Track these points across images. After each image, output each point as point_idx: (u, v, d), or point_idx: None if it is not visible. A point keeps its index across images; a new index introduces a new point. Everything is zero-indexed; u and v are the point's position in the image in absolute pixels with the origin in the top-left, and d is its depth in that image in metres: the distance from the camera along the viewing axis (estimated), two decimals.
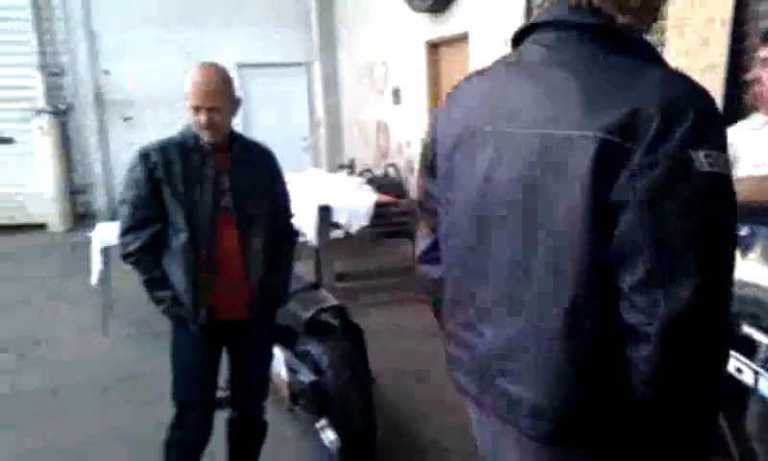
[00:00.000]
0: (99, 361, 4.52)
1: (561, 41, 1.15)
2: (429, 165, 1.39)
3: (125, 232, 2.39)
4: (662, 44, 3.74)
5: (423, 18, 7.09)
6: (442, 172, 1.33)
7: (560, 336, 1.08)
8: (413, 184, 7.56)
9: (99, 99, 9.61)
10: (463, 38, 6.42)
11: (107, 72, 9.57)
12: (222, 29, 9.71)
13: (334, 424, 2.92)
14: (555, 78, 1.11)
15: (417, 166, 1.54)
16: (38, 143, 9.09)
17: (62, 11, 9.24)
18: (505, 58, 1.27)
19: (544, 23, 1.19)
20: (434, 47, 7.22)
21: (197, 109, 2.31)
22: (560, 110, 1.07)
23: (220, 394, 2.66)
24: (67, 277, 6.56)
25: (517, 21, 5.34)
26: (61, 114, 9.35)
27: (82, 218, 9.54)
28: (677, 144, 0.97)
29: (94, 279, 4.89)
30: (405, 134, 8.03)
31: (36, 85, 9.10)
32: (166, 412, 2.56)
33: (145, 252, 2.37)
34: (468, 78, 1.35)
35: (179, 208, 2.33)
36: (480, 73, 1.31)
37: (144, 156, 2.36)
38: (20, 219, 9.28)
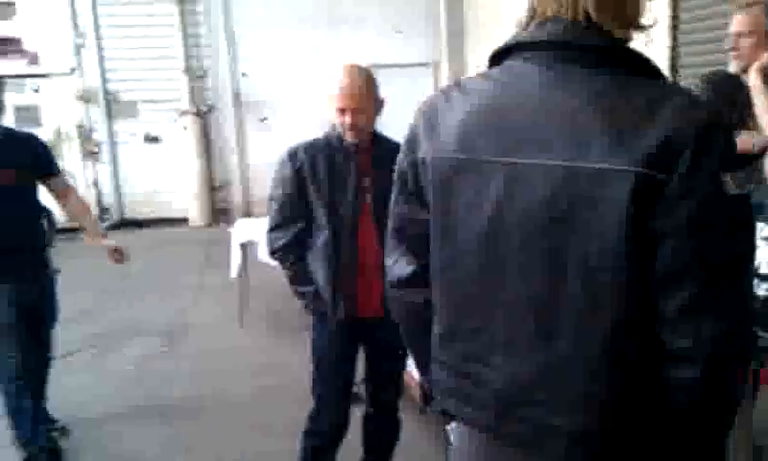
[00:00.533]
0: (236, 351, 4.75)
1: (563, 62, 1.09)
2: (415, 191, 1.25)
3: (271, 230, 2.50)
4: None
5: None
6: (436, 201, 1.20)
7: (601, 363, 1.08)
8: None
9: (237, 100, 10.10)
10: None
11: (244, 74, 10.04)
12: (352, 30, 9.88)
13: None
14: (568, 104, 1.07)
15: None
16: (182, 142, 9.71)
17: (206, 16, 9.80)
18: (490, 76, 1.19)
19: (539, 42, 1.12)
20: None
21: (342, 111, 2.35)
22: (582, 140, 1.04)
23: (356, 390, 2.73)
24: (207, 269, 6.94)
25: (662, 23, 5.06)
26: (203, 115, 9.93)
27: (219, 213, 10.08)
28: (711, 170, 0.99)
29: (233, 272, 5.13)
30: None
31: (181, 88, 9.74)
32: (301, 404, 2.65)
33: (289, 249, 2.46)
34: (447, 94, 1.23)
35: (322, 207, 2.41)
36: (461, 90, 1.22)
37: (292, 154, 2.45)
38: (165, 213, 9.93)
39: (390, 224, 1.34)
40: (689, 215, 0.99)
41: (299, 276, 2.47)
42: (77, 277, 5.43)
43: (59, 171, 3.41)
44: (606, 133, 1.02)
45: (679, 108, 1.01)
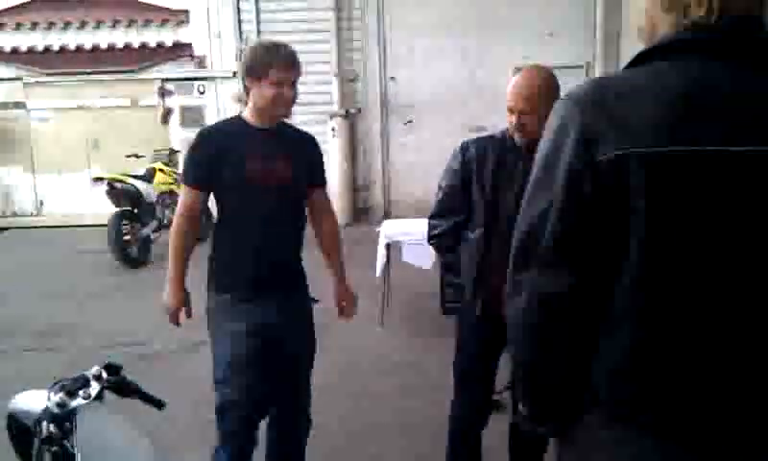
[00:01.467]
0: (377, 348, 4.83)
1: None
2: (596, 197, 1.10)
3: (432, 217, 2.62)
4: None
5: None
6: (650, 201, 1.08)
7: None
8: None
9: (384, 103, 10.31)
10: None
11: (392, 78, 10.23)
12: (502, 34, 9.79)
13: None
14: None
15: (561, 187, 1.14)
16: (331, 143, 10.04)
17: (360, 22, 10.10)
18: (662, 69, 1.13)
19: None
20: None
21: (511, 111, 2.36)
22: None
23: (499, 397, 2.69)
24: (349, 267, 7.09)
25: None
26: (351, 117, 10.21)
27: (360, 213, 10.31)
28: None
29: (378, 271, 5.21)
30: None
31: (332, 91, 10.09)
32: (438, 405, 2.68)
33: (444, 238, 2.57)
34: (609, 88, 1.15)
35: (481, 204, 2.44)
36: (630, 83, 1.14)
37: (463, 148, 2.52)
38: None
39: (548, 236, 1.15)
40: None
41: (447, 265, 2.60)
42: None
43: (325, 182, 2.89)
44: None
45: None
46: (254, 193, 2.48)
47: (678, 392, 1.11)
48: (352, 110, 10.24)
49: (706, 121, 1.06)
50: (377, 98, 10.26)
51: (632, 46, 8.81)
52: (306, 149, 2.71)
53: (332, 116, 10.02)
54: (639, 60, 1.18)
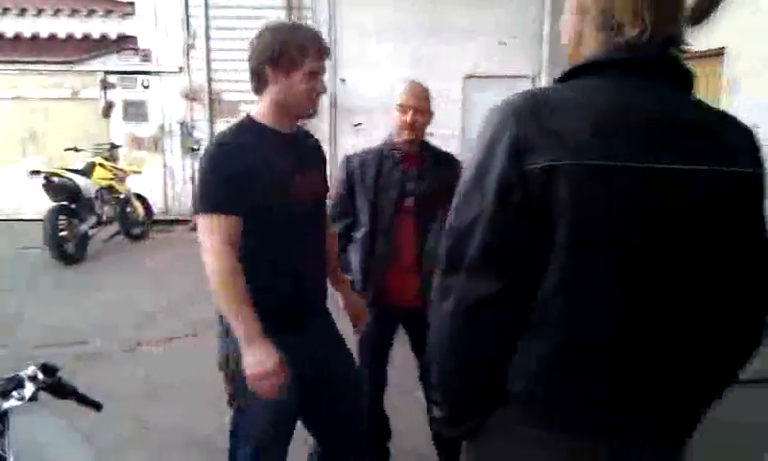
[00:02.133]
0: None
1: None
2: (527, 204, 1.13)
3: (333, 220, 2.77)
4: None
5: None
6: (574, 210, 1.13)
7: None
8: None
9: (334, 105, 10.27)
10: (716, 55, 5.88)
11: (342, 80, 10.21)
12: (453, 40, 9.89)
13: None
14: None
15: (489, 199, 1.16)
16: None
17: (312, 23, 10.04)
18: (588, 85, 1.20)
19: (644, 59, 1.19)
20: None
21: (403, 110, 2.65)
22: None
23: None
24: None
25: None
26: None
27: None
28: None
29: None
30: None
31: None
32: None
33: (339, 241, 2.70)
34: (543, 100, 1.18)
35: (365, 208, 2.70)
36: (561, 96, 1.18)
37: (347, 160, 2.80)
38: None
39: (477, 242, 1.16)
40: None
41: (342, 263, 2.69)
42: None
43: None
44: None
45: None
46: (291, 212, 2.07)
47: (594, 391, 1.18)
48: None
49: (631, 137, 1.12)
50: (326, 99, 10.22)
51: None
52: (321, 154, 2.40)
53: None
54: (572, 74, 1.23)
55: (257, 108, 2.10)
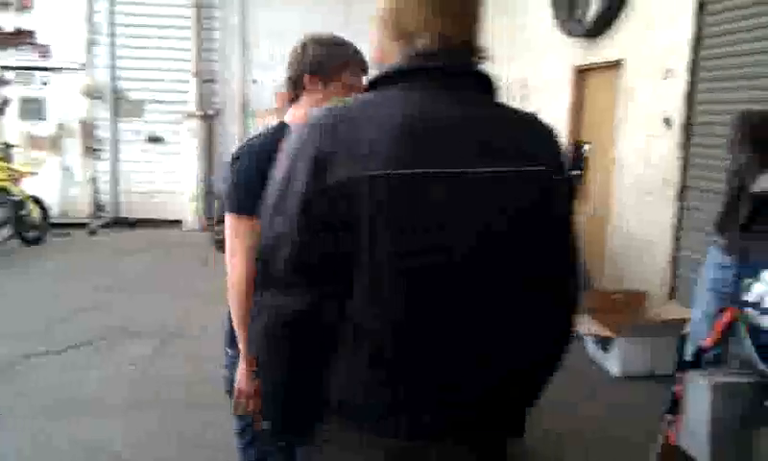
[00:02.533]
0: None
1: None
2: (329, 219, 1.14)
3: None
4: None
5: (575, 44, 6.90)
6: (379, 222, 1.14)
7: None
8: None
9: (245, 107, 10.11)
10: (615, 66, 6.18)
11: (255, 81, 10.07)
12: (365, 43, 9.89)
13: None
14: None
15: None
16: (186, 145, 9.69)
17: (222, 22, 9.84)
18: (388, 96, 1.22)
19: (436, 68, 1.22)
20: (582, 73, 7.01)
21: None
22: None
23: None
24: (201, 273, 6.90)
25: (683, 48, 5.08)
26: (209, 119, 9.92)
27: (211, 219, 10.05)
28: None
29: None
30: None
31: (189, 91, 9.72)
32: None
33: None
34: (342, 116, 1.19)
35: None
36: (361, 110, 1.20)
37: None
38: (160, 214, 9.91)
39: (284, 258, 1.16)
40: None
41: None
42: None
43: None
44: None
45: None
46: None
47: (411, 398, 1.21)
48: (210, 112, 9.95)
49: (430, 145, 1.15)
50: (237, 101, 10.04)
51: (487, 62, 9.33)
52: None
53: (189, 116, 9.67)
54: (372, 86, 1.26)
55: (291, 115, 2.10)
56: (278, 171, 1.20)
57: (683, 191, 5.19)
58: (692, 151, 5.12)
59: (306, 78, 2.03)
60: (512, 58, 8.67)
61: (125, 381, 4.28)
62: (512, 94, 8.63)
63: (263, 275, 1.20)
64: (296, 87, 2.08)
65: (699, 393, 2.39)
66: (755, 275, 2.40)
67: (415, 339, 1.19)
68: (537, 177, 1.22)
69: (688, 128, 5.12)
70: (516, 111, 1.29)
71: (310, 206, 1.13)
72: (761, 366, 2.36)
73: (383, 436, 1.21)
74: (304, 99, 2.07)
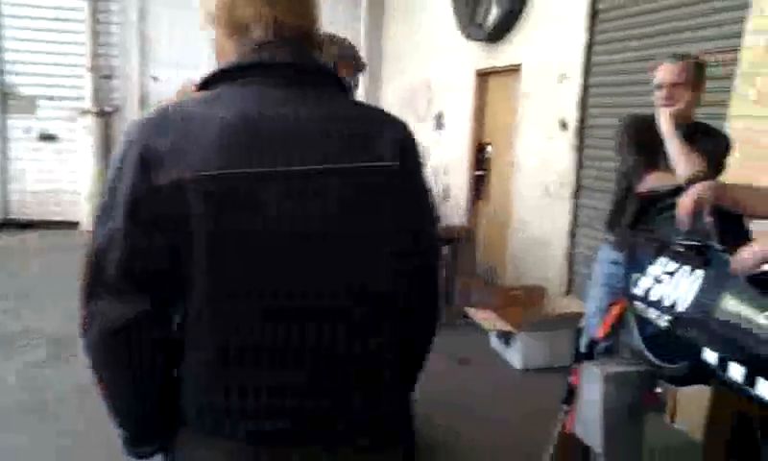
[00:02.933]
0: None
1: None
2: (159, 219, 1.12)
3: None
4: (729, 91, 3.68)
5: (476, 48, 7.08)
6: (211, 221, 1.13)
7: None
8: (443, 212, 7.55)
9: (144, 104, 9.75)
10: (515, 70, 6.40)
11: (155, 78, 9.72)
12: None
13: None
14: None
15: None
16: (81, 143, 9.24)
17: (119, 15, 9.44)
18: (223, 95, 1.18)
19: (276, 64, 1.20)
20: (483, 77, 7.21)
21: None
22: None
23: None
24: None
25: (577, 54, 5.31)
26: (106, 116, 9.50)
27: None
28: None
29: None
30: (443, 161, 8.01)
31: (85, 86, 9.28)
32: None
33: None
34: (173, 115, 1.15)
35: None
36: (193, 109, 1.16)
37: None
38: (55, 216, 9.43)
39: (114, 263, 1.11)
40: None
41: None
42: None
43: None
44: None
45: None
46: None
47: (254, 400, 1.16)
48: (108, 109, 9.52)
49: (260, 145, 1.12)
50: (136, 97, 9.67)
51: (390, 65, 9.39)
52: None
53: (84, 113, 9.22)
54: (207, 84, 1.21)
55: None
56: (109, 172, 1.15)
57: (577, 191, 5.44)
58: (586, 153, 5.37)
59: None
60: (416, 60, 8.81)
61: (15, 388, 4.06)
62: (417, 96, 8.76)
63: (94, 281, 1.13)
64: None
65: (592, 382, 2.50)
66: (641, 270, 2.54)
67: (249, 345, 1.14)
68: (380, 172, 1.20)
69: (582, 130, 5.37)
70: (362, 107, 1.30)
71: (138, 207, 1.09)
72: (648, 355, 2.50)
73: (229, 440, 1.16)
74: None
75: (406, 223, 1.26)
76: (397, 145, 1.24)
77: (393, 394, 1.32)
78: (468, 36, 7.14)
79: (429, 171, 8.28)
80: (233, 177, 1.09)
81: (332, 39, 2.00)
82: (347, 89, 1.29)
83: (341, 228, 1.17)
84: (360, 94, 10.30)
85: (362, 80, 9.59)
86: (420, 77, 8.67)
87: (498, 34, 6.54)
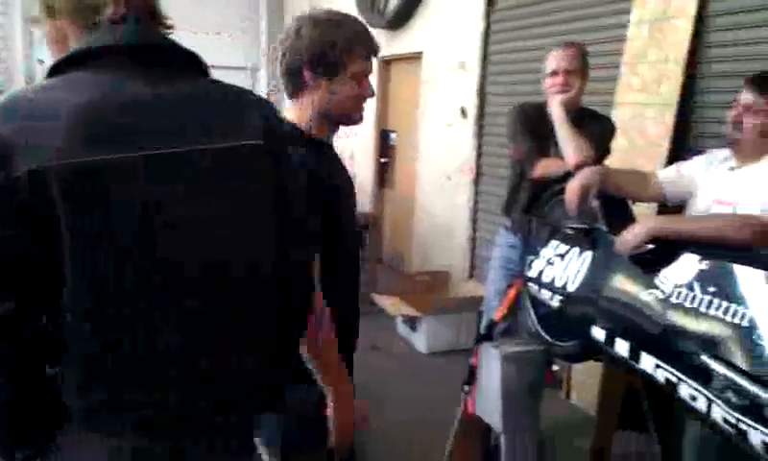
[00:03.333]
0: None
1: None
2: (18, 212, 1.05)
3: None
4: (616, 79, 3.86)
5: (378, 35, 7.08)
6: (76, 213, 1.09)
7: None
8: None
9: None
10: (416, 57, 6.46)
11: (41, 61, 9.19)
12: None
13: None
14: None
15: None
16: None
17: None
18: (77, 79, 1.14)
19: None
20: (386, 64, 7.24)
21: None
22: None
23: None
24: None
25: (475, 42, 5.42)
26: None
27: None
28: None
29: None
30: (349, 148, 8.01)
31: None
32: None
33: None
34: (23, 100, 1.10)
35: None
36: (44, 93, 1.11)
37: None
38: None
39: None
40: None
41: None
42: None
43: None
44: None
45: None
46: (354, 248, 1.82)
47: (132, 394, 1.15)
48: None
49: (119, 129, 1.08)
50: (21, 80, 9.11)
51: None
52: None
53: None
54: (56, 71, 1.16)
55: (294, 115, 1.74)
56: None
57: (477, 177, 5.57)
58: (485, 139, 5.51)
59: (306, 74, 1.67)
60: None
61: None
62: None
63: None
64: (294, 82, 1.71)
65: (491, 363, 2.57)
66: (535, 253, 2.63)
67: (115, 341, 1.11)
68: (244, 152, 1.19)
69: (481, 118, 5.50)
70: (224, 86, 1.25)
71: None
72: (543, 334, 2.59)
73: (110, 436, 1.14)
74: (307, 97, 1.71)
75: (272, 205, 1.24)
76: (261, 126, 1.22)
77: (263, 384, 1.31)
78: (370, 23, 7.14)
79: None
80: (91, 165, 1.03)
81: (339, 18, 1.73)
82: (205, 68, 1.24)
83: (205, 212, 1.14)
84: (262, 77, 10.15)
85: (264, 64, 9.43)
86: None
87: (399, 21, 6.58)
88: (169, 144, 1.10)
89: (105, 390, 1.13)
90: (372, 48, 1.73)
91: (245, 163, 1.19)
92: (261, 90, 10.18)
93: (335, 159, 1.81)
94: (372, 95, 1.80)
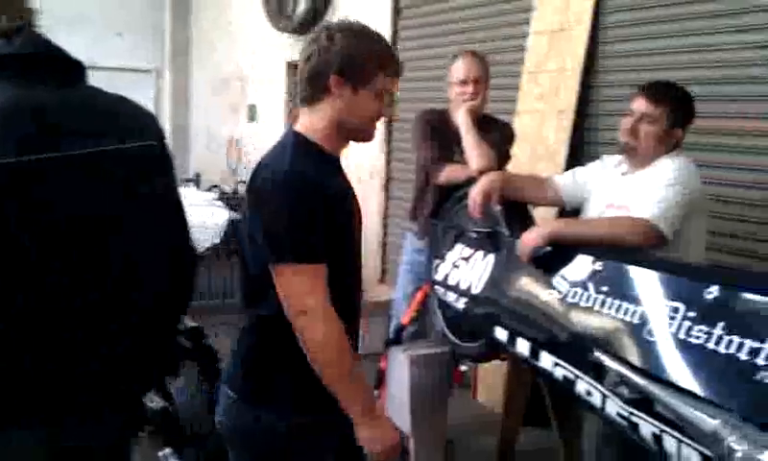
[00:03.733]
0: None
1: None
2: None
3: None
4: (517, 87, 3.99)
5: (286, 39, 7.04)
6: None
7: None
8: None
9: None
10: None
11: None
12: (68, 29, 8.91)
13: (185, 452, 2.78)
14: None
15: None
16: None
17: None
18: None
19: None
20: (295, 68, 7.16)
21: None
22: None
23: None
24: None
25: None
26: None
27: None
28: None
29: None
30: (259, 153, 7.90)
31: None
32: None
33: None
34: None
35: None
36: None
37: None
38: None
39: None
40: None
41: None
42: None
43: None
44: None
45: None
46: (356, 256, 1.78)
47: (36, 385, 1.23)
48: None
49: (38, 132, 1.16)
50: None
51: (200, 55, 9.04)
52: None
53: None
54: None
55: (305, 122, 1.67)
56: None
57: (387, 182, 5.63)
58: (393, 145, 5.58)
59: (333, 79, 1.60)
60: (228, 49, 8.60)
61: None
62: (230, 86, 8.55)
63: None
64: (315, 89, 1.64)
65: (399, 366, 2.60)
66: (441, 257, 2.68)
67: (31, 333, 1.18)
68: (143, 154, 1.32)
69: (390, 124, 5.55)
70: (108, 94, 1.36)
71: None
72: (450, 336, 2.64)
73: (24, 428, 1.23)
74: (326, 104, 1.64)
75: (167, 199, 1.38)
76: (153, 128, 1.37)
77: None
78: (278, 27, 7.08)
79: (246, 164, 8.16)
80: (26, 165, 1.10)
81: (372, 33, 1.69)
82: (86, 75, 1.33)
83: (113, 210, 1.22)
84: (167, 81, 9.86)
85: (168, 67, 9.17)
86: (233, 67, 8.46)
87: (307, 25, 6.55)
88: (84, 145, 1.18)
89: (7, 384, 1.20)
90: (400, 69, 1.72)
91: (150, 162, 1.32)
92: (165, 96, 9.89)
93: (339, 171, 1.75)
94: (389, 116, 1.75)
